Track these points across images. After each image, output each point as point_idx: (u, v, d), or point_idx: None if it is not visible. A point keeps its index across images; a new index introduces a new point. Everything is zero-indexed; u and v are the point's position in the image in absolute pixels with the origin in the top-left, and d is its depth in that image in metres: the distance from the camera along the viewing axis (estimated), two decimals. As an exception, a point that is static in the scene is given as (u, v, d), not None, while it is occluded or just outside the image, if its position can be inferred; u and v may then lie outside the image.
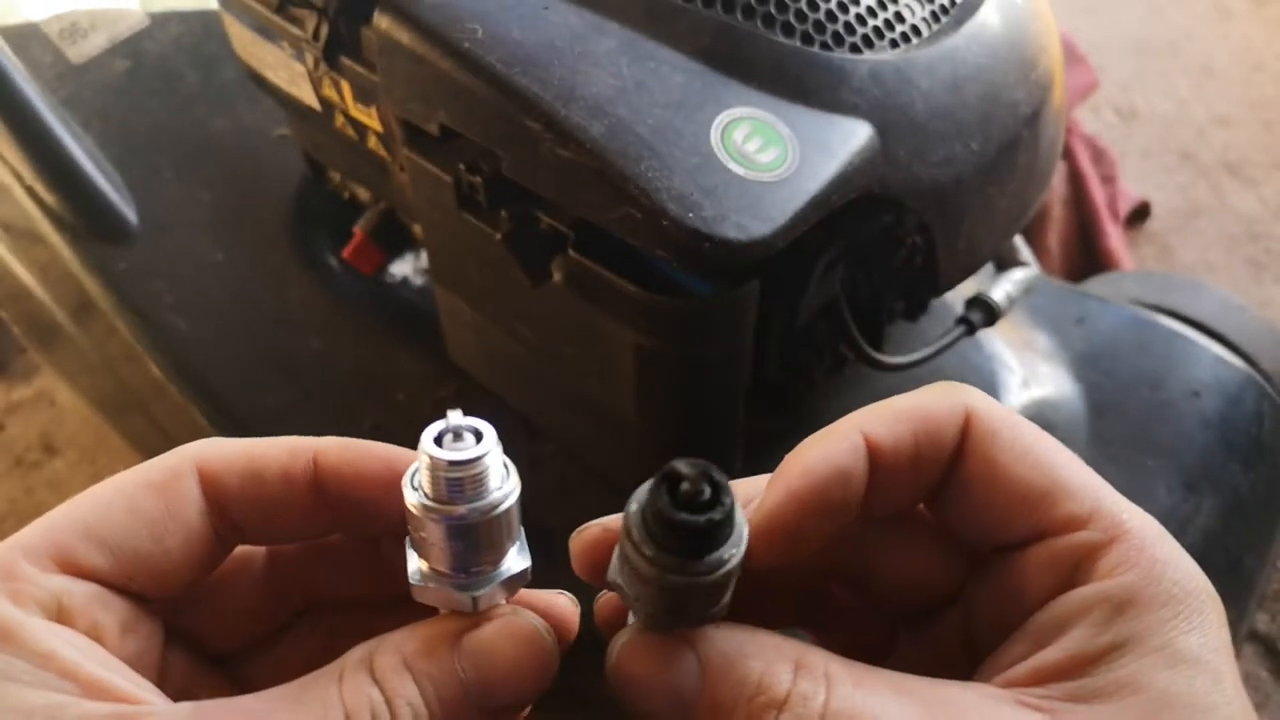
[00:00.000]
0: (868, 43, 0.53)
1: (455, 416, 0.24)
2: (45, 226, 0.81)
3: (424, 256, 0.86)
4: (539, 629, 0.24)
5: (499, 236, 0.54)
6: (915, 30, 0.55)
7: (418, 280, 0.86)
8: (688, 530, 0.22)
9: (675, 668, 0.23)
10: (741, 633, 0.23)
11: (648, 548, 0.22)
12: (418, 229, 0.73)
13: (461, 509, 0.23)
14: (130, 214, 0.82)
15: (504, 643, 0.24)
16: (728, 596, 0.24)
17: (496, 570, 0.25)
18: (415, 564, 0.25)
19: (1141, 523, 0.25)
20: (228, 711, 0.21)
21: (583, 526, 0.26)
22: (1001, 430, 0.25)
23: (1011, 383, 0.77)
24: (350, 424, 0.75)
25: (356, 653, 0.23)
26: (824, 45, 0.52)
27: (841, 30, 0.53)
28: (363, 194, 0.79)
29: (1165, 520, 0.84)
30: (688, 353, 0.53)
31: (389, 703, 0.22)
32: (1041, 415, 0.77)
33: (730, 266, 0.47)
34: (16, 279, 0.87)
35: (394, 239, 0.78)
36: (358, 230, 0.77)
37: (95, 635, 0.22)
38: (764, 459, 0.73)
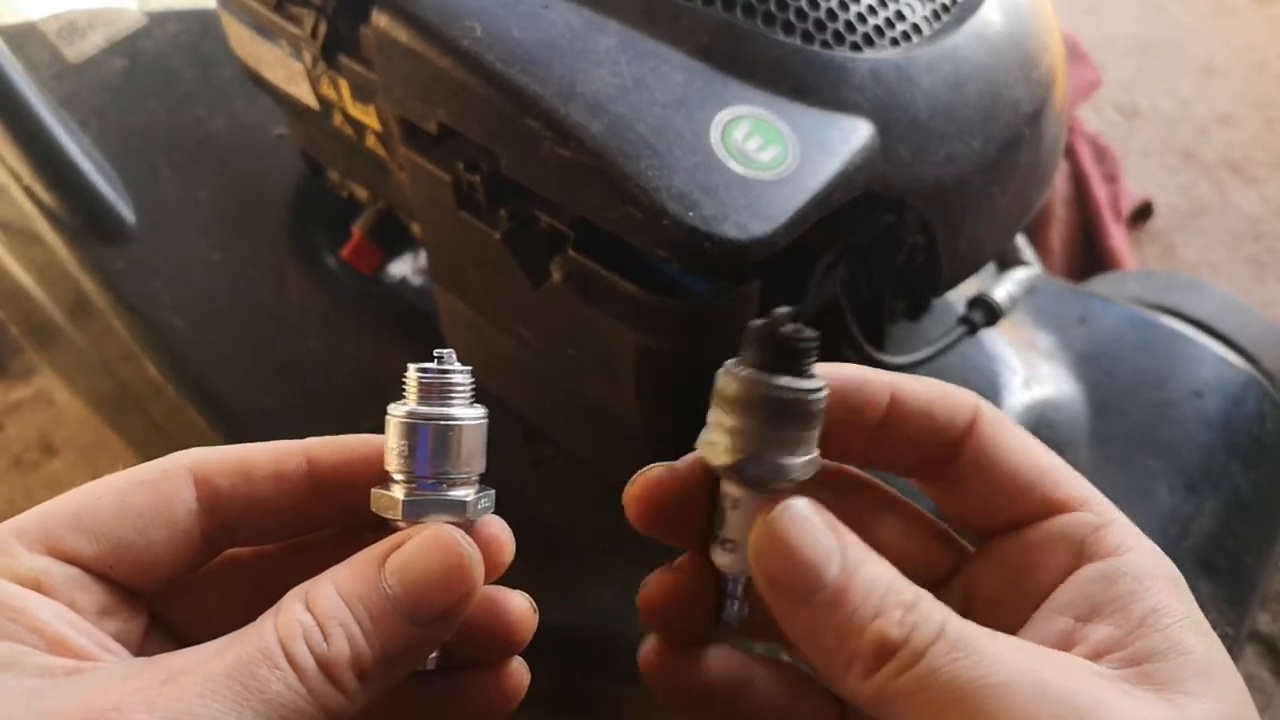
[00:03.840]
0: (868, 41, 0.53)
1: (440, 351, 0.28)
2: (43, 226, 0.81)
3: (423, 256, 0.86)
4: (457, 539, 0.25)
5: (498, 236, 0.54)
6: (916, 28, 0.55)
7: (416, 280, 0.86)
8: (800, 343, 0.26)
9: (821, 545, 0.24)
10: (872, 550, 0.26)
11: (760, 366, 0.27)
12: (416, 228, 0.73)
13: (437, 409, 0.27)
14: (128, 213, 0.82)
15: (423, 555, 0.25)
16: (817, 450, 0.27)
17: (460, 491, 0.27)
18: (394, 491, 0.27)
19: (1117, 511, 0.29)
20: (172, 656, 0.23)
21: (639, 472, 0.29)
22: (1004, 422, 0.28)
23: (1013, 382, 0.78)
24: (348, 423, 0.73)
25: (293, 591, 0.24)
26: (824, 43, 0.52)
27: (842, 28, 0.52)
28: (361, 193, 0.79)
29: (1167, 520, 0.83)
30: (688, 352, 0.53)
31: (320, 625, 0.23)
32: (1043, 415, 0.77)
33: (730, 266, 0.47)
34: (14, 279, 0.87)
35: (392, 238, 0.78)
36: (356, 230, 0.77)
37: (72, 608, 0.24)
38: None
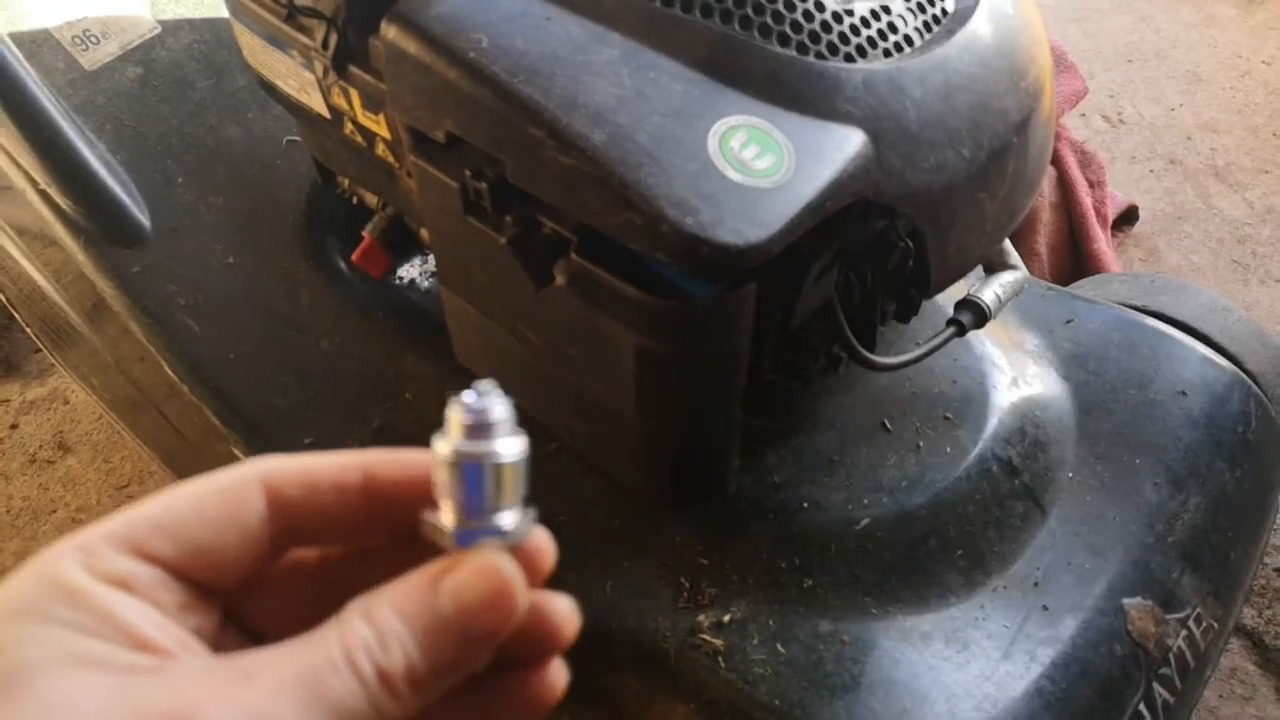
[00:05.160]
0: (861, 52, 0.54)
1: (479, 384, 0.27)
2: (59, 230, 0.81)
3: (430, 260, 0.87)
4: (504, 567, 0.27)
5: (503, 241, 0.55)
6: (908, 40, 0.56)
7: (424, 283, 0.86)
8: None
9: None
10: None
11: None
12: (424, 233, 0.74)
13: (481, 447, 0.27)
14: (143, 218, 0.82)
15: (473, 580, 0.26)
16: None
17: (506, 518, 0.27)
18: (441, 517, 0.27)
19: None
20: (245, 656, 0.24)
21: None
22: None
23: (1001, 382, 0.78)
24: (359, 423, 0.76)
25: (354, 604, 0.26)
26: (819, 55, 0.52)
27: (836, 40, 0.53)
28: (371, 199, 0.80)
29: (1153, 516, 0.84)
30: (687, 353, 0.54)
31: (380, 639, 0.25)
32: (1030, 413, 0.78)
33: (728, 270, 0.47)
34: (31, 281, 0.87)
35: (401, 243, 0.79)
36: (366, 234, 0.78)
37: (155, 606, 0.26)
38: (761, 457, 0.75)
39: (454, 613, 0.26)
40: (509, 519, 0.27)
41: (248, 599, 0.29)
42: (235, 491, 0.27)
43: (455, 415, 0.27)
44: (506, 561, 0.27)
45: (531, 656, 0.29)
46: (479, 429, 0.27)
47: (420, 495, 0.28)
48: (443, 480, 0.27)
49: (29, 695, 0.22)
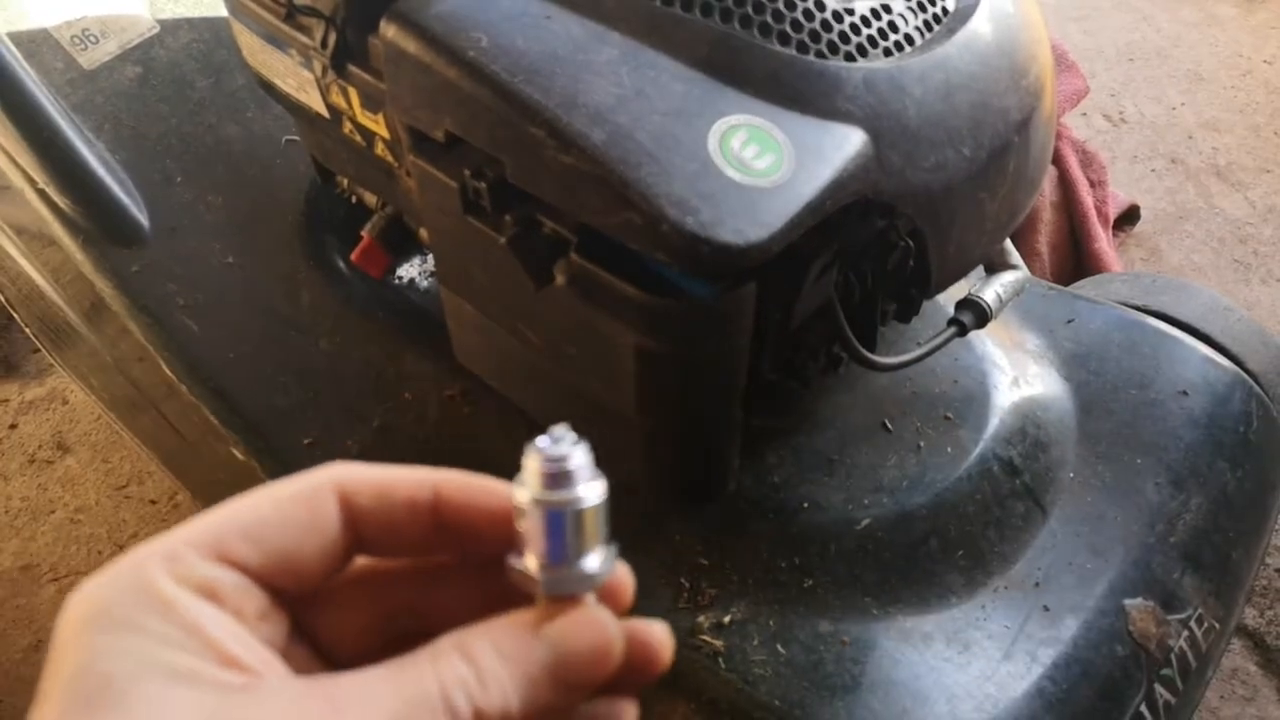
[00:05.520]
0: (862, 51, 0.54)
1: (554, 430, 0.27)
2: (58, 230, 0.81)
3: (430, 260, 0.87)
4: (607, 624, 0.27)
5: (503, 240, 0.55)
6: (908, 39, 0.56)
7: (424, 283, 0.86)
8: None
9: None
10: None
11: None
12: (424, 233, 0.74)
13: (562, 495, 0.26)
14: (142, 218, 0.82)
15: (575, 631, 0.26)
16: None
17: (591, 561, 0.27)
18: (527, 563, 0.27)
19: None
20: (333, 683, 0.24)
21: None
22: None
23: (1002, 382, 0.78)
24: (359, 423, 0.76)
25: (447, 639, 0.26)
26: (819, 54, 0.52)
27: (836, 39, 0.53)
28: (370, 199, 0.79)
29: (1154, 516, 0.84)
30: (687, 353, 0.54)
31: (480, 678, 0.25)
32: (1031, 413, 0.78)
33: (728, 269, 0.47)
34: (30, 281, 0.87)
35: (401, 243, 0.79)
36: (365, 234, 0.78)
37: (237, 617, 0.26)
38: (761, 457, 0.75)
39: (556, 662, 0.26)
40: (594, 562, 0.27)
41: (313, 606, 0.29)
42: (314, 497, 0.27)
43: (533, 463, 0.27)
44: (607, 616, 0.27)
45: (629, 685, 0.29)
46: (559, 477, 0.26)
47: (489, 522, 0.28)
48: (526, 528, 0.27)
49: (119, 709, 0.22)
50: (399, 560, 0.30)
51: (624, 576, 0.29)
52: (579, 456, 0.27)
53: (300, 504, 0.27)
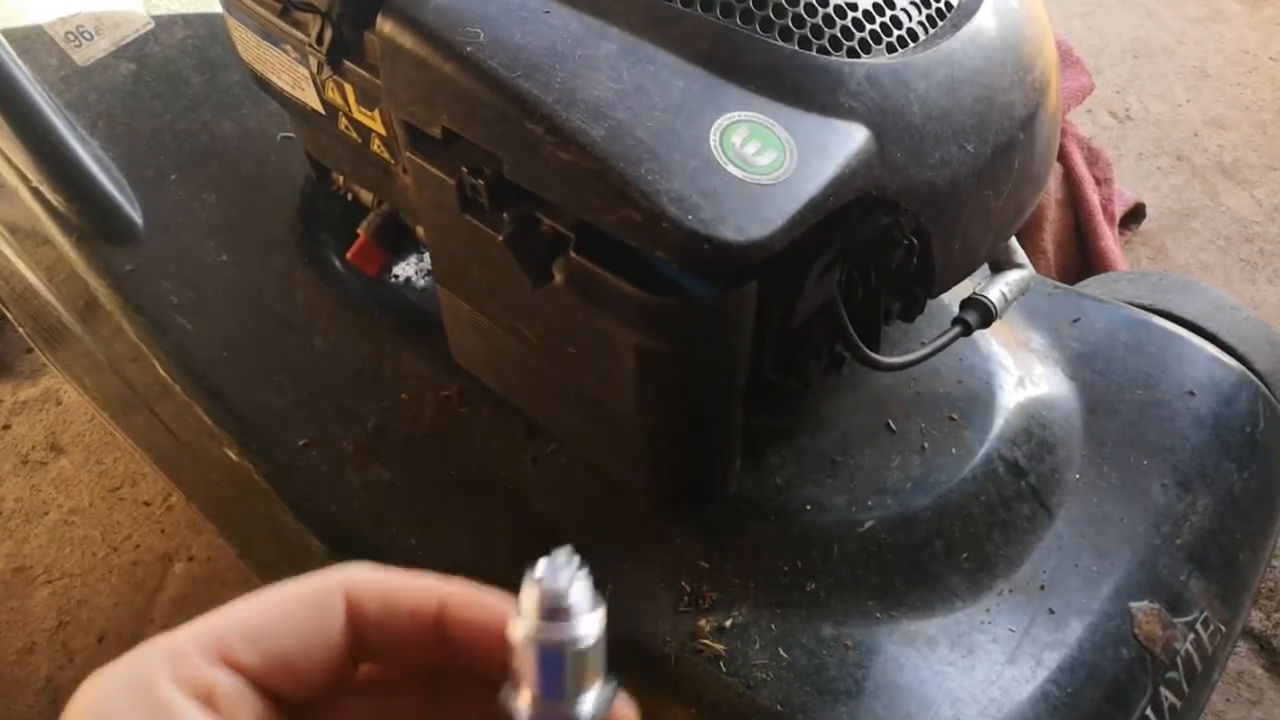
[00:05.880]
0: (865, 47, 0.53)
1: (556, 554, 0.26)
2: (51, 228, 0.81)
3: (427, 258, 0.87)
4: None
5: (501, 238, 0.54)
6: (912, 34, 0.55)
7: (420, 281, 0.86)
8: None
9: None
10: None
11: None
12: (420, 231, 0.74)
13: (559, 632, 0.26)
14: (136, 215, 0.82)
15: None
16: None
17: (586, 703, 0.27)
18: (520, 701, 0.27)
19: None
20: None
21: None
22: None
23: (1007, 382, 0.78)
24: (354, 423, 0.75)
25: None
26: (822, 49, 0.52)
27: (839, 34, 0.53)
28: (366, 196, 0.79)
29: (1160, 517, 0.84)
30: (687, 352, 0.54)
31: None
32: (1037, 414, 0.77)
33: (729, 268, 0.47)
34: (23, 279, 0.87)
35: (397, 241, 0.78)
36: (361, 232, 0.77)
37: None
38: (762, 457, 0.74)
39: None
40: (590, 702, 0.26)
41: (311, 713, 0.28)
42: (322, 601, 0.27)
43: (531, 596, 0.26)
44: None
45: None
46: (557, 612, 0.26)
47: (493, 642, 0.28)
48: (519, 663, 0.26)
49: None
50: (403, 671, 0.30)
51: (627, 714, 0.28)
52: (578, 590, 0.26)
53: (309, 607, 0.27)
